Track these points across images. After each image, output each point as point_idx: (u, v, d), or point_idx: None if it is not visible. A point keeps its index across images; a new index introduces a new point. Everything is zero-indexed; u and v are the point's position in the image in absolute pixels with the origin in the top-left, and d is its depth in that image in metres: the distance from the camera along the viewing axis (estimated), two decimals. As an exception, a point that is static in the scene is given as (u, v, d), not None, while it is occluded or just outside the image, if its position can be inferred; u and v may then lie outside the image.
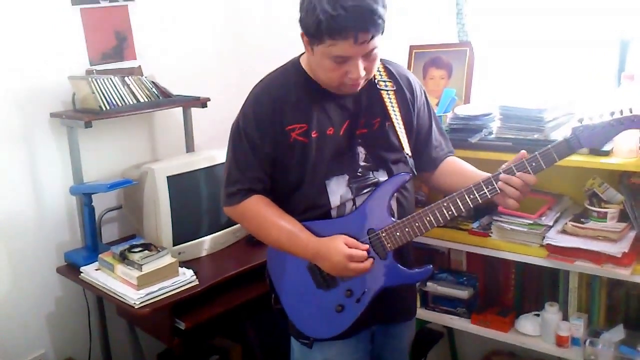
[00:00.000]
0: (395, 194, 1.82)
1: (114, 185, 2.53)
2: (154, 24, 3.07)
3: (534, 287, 2.49)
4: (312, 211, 1.81)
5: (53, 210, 2.80)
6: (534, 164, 1.64)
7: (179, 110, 3.07)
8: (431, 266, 1.84)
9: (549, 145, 1.63)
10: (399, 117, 1.84)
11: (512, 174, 1.66)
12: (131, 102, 2.68)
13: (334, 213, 1.80)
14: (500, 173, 1.68)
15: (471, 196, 1.70)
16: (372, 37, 1.59)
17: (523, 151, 1.68)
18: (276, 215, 1.80)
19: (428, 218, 1.74)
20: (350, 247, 1.73)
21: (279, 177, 1.82)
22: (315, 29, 1.58)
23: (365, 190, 1.81)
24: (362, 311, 1.82)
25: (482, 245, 2.42)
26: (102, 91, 2.59)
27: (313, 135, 1.76)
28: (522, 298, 2.53)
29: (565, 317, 2.36)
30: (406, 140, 1.85)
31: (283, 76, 1.81)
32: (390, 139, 1.84)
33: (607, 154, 2.12)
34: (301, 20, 1.64)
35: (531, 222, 2.29)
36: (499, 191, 1.68)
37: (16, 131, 2.65)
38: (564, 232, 2.24)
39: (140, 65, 2.90)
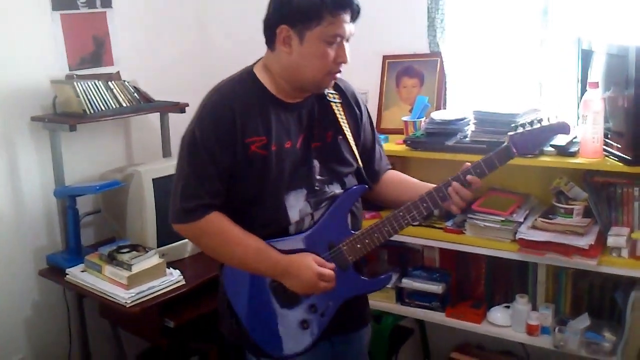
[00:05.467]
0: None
1: (103, 186, 2.56)
2: (130, 30, 3.11)
3: (504, 280, 2.66)
4: (270, 227, 1.75)
5: (32, 214, 2.80)
6: (477, 170, 1.72)
7: (156, 115, 3.11)
8: (391, 274, 1.92)
9: (491, 153, 1.74)
10: (349, 130, 1.85)
11: (459, 181, 1.71)
12: (114, 107, 2.72)
13: (292, 229, 1.77)
14: (450, 180, 1.73)
15: (424, 204, 1.74)
16: (358, 15, 1.68)
17: (467, 163, 1.76)
18: (240, 233, 1.73)
19: (386, 228, 1.77)
20: (319, 265, 1.73)
21: (236, 191, 1.74)
22: (317, 7, 1.59)
23: (322, 204, 1.79)
24: (327, 324, 1.82)
25: (457, 242, 2.57)
26: (86, 95, 2.62)
27: (273, 149, 1.71)
28: (493, 291, 2.69)
29: (535, 308, 2.54)
30: (357, 153, 1.86)
31: (240, 86, 1.74)
32: (343, 152, 1.83)
33: (573, 154, 2.32)
34: (290, 9, 1.62)
35: (503, 219, 2.46)
36: (448, 197, 1.72)
37: (-4, 135, 2.66)
38: (534, 227, 2.41)
39: (118, 71, 2.94)
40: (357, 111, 1.89)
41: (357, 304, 1.92)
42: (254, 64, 1.79)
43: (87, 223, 2.98)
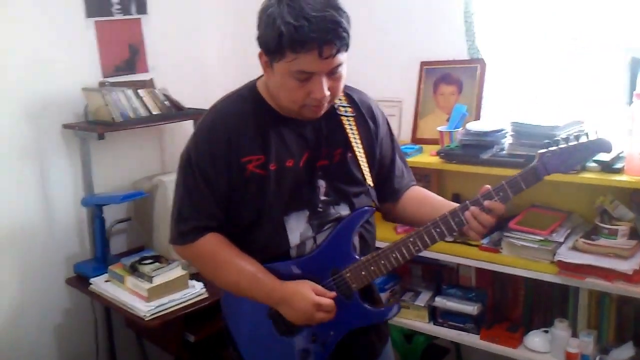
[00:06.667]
0: (358, 230, 1.69)
1: (126, 197, 2.54)
2: (165, 37, 3.09)
3: (543, 303, 2.50)
4: (269, 251, 1.64)
5: (63, 222, 2.81)
6: (501, 193, 1.53)
7: (189, 123, 3.08)
8: (398, 304, 1.73)
9: (517, 174, 1.54)
10: (361, 146, 1.70)
11: (479, 205, 1.54)
12: (143, 115, 2.70)
13: (293, 253, 1.65)
14: (467, 204, 1.56)
15: (438, 230, 1.58)
16: (338, 52, 1.47)
17: (487, 185, 1.57)
18: (235, 256, 1.63)
19: (394, 255, 1.61)
20: (317, 294, 1.59)
21: (233, 213, 1.65)
22: (276, 43, 1.45)
23: (326, 227, 1.66)
24: (329, 355, 1.69)
25: (492, 261, 2.43)
26: (115, 103, 2.61)
27: (271, 168, 1.60)
28: (531, 314, 2.53)
29: (575, 334, 2.36)
30: (368, 171, 1.72)
31: (238, 103, 1.65)
32: (352, 171, 1.69)
33: (618, 171, 2.15)
34: (260, 37, 1.52)
35: (542, 238, 2.30)
36: (465, 223, 1.56)
37: (28, 142, 2.68)
38: (574, 248, 2.25)
39: (152, 78, 2.92)
40: (373, 125, 1.73)
41: (366, 335, 1.74)
42: (258, 77, 1.68)
43: (118, 230, 2.97)
